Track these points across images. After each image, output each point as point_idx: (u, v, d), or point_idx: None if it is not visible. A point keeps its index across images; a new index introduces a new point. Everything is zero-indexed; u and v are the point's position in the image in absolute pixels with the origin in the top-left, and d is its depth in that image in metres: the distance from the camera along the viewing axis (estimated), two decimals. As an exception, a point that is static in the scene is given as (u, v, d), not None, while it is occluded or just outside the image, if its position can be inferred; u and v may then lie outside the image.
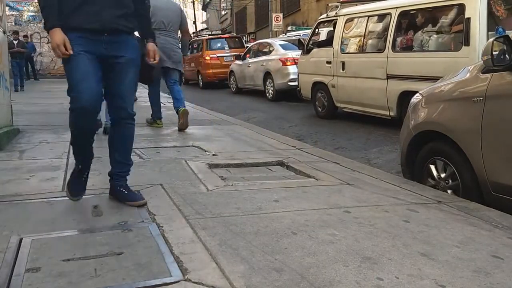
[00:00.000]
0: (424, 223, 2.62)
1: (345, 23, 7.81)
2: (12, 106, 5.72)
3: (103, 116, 5.33)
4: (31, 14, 18.59)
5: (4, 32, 5.71)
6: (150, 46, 2.92)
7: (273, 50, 12.20)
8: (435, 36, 6.16)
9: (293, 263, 2.07)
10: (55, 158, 4.24)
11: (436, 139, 3.41)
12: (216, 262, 2.08)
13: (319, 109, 8.44)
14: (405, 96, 6.08)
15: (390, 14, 6.79)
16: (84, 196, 3.06)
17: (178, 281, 1.91)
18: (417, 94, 3.81)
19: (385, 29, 6.88)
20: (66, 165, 3.96)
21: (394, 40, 6.63)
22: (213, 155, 4.49)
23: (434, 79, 4.32)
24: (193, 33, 36.87)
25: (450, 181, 3.33)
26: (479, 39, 5.37)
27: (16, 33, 14.90)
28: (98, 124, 4.32)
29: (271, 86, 11.68)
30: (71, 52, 2.61)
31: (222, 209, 2.80)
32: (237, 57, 14.19)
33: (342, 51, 7.77)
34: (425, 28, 6.32)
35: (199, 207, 2.84)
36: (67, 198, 2.99)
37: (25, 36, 15.79)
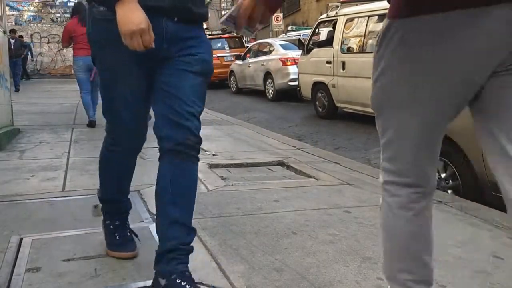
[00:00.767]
0: (424, 223, 2.61)
1: (345, 23, 7.81)
2: (12, 106, 5.72)
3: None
4: (31, 14, 18.60)
5: (5, 32, 5.71)
6: None
7: (273, 50, 12.20)
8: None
9: (293, 263, 2.07)
10: (55, 158, 4.24)
11: (436, 139, 3.40)
12: (216, 262, 2.08)
13: (320, 109, 8.44)
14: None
15: (390, 14, 6.77)
16: (84, 196, 3.07)
17: (178, 281, 1.90)
18: (418, 94, 3.80)
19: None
20: (66, 165, 3.96)
21: (394, 40, 6.60)
22: (213, 155, 4.49)
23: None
24: (193, 33, 36.76)
25: (450, 181, 3.33)
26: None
27: (13, 31, 14.87)
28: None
29: (271, 86, 11.69)
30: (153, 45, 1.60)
31: (222, 209, 2.80)
32: (237, 57, 14.20)
33: (342, 51, 7.77)
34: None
35: (199, 207, 2.83)
36: (67, 197, 2.99)
37: (20, 37, 15.77)
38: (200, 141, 1.79)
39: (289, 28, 21.93)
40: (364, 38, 7.38)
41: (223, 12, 41.63)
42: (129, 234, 2.18)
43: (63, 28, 6.29)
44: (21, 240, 2.30)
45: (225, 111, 8.81)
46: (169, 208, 1.73)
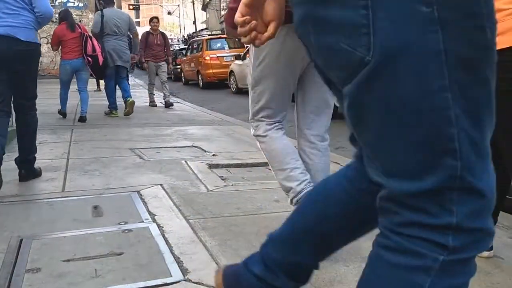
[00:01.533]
0: (424, 223, 2.61)
1: (345, 23, 7.81)
2: (12, 106, 5.71)
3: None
4: (31, 14, 18.61)
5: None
6: None
7: (273, 50, 12.18)
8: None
9: (294, 263, 2.06)
10: (55, 159, 4.24)
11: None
12: (216, 262, 2.08)
13: (319, 109, 8.43)
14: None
15: (390, 14, 6.78)
16: (84, 197, 3.07)
17: (179, 281, 1.91)
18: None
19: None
20: (66, 165, 3.96)
21: (394, 40, 6.62)
22: (213, 155, 4.50)
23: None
24: (193, 33, 36.91)
25: (450, 180, 3.33)
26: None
27: None
28: None
29: (271, 86, 11.66)
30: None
31: (222, 209, 2.80)
32: (237, 57, 14.18)
33: (342, 51, 7.76)
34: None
35: (199, 207, 2.84)
36: (67, 198, 2.99)
37: None
38: None
39: (289, 28, 21.89)
40: (363, 38, 7.38)
41: (222, 13, 41.62)
42: None
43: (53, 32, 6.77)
44: (21, 240, 2.30)
45: (225, 111, 8.81)
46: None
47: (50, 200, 3.01)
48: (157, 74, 9.25)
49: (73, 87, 6.77)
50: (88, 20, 15.64)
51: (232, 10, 1.71)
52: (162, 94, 9.35)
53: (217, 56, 15.64)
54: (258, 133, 2.18)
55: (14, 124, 5.60)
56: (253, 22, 1.07)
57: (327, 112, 2.40)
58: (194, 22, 42.48)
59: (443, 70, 0.82)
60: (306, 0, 0.92)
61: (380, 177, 0.93)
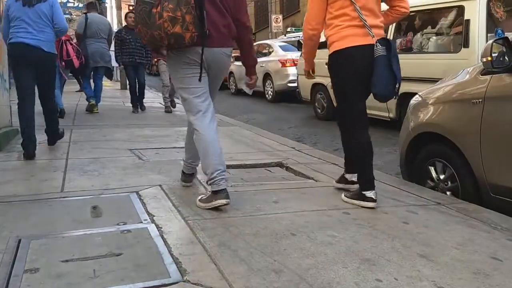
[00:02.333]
0: (423, 225, 2.62)
1: (345, 24, 7.83)
2: (11, 107, 5.71)
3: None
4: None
5: (4, 33, 5.70)
6: None
7: (272, 51, 12.21)
8: (434, 38, 6.17)
9: (292, 265, 2.07)
10: (54, 159, 4.24)
11: (435, 141, 3.41)
12: (215, 263, 2.08)
13: (319, 110, 8.44)
14: (405, 97, 6.07)
15: (389, 15, 6.80)
16: (83, 197, 3.07)
17: (177, 282, 1.90)
18: (417, 96, 3.82)
19: (385, 30, 6.86)
20: (65, 165, 3.96)
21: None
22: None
23: (434, 81, 4.32)
24: (193, 34, 36.64)
25: (449, 182, 3.33)
26: (479, 41, 5.37)
27: None
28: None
29: (271, 88, 11.69)
30: None
31: (221, 210, 2.80)
32: (237, 58, 14.17)
33: (342, 52, 7.78)
34: (425, 30, 6.32)
35: (198, 208, 2.83)
36: (66, 198, 2.99)
37: None
38: None
39: (289, 29, 21.94)
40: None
41: (222, 13, 41.60)
42: None
43: None
44: (19, 241, 2.30)
45: (224, 112, 8.80)
46: None
47: (49, 200, 3.01)
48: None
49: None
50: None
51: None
52: (162, 96, 8.77)
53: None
54: (195, 125, 2.86)
55: (14, 124, 5.61)
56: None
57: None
58: (194, 23, 42.36)
59: None
60: None
61: None
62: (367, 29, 2.71)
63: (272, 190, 3.29)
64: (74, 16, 19.58)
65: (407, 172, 3.76)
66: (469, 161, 3.08)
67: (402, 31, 6.69)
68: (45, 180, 3.50)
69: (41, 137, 5.37)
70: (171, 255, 2.16)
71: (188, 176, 3.27)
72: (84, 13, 8.34)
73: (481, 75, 3.06)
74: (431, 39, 6.19)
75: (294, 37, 14.90)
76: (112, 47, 8.11)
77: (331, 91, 7.95)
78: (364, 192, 2.88)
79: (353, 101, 2.88)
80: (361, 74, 2.77)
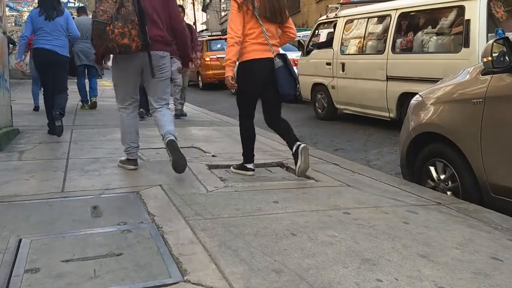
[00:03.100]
0: (423, 225, 2.62)
1: (345, 24, 7.82)
2: (12, 107, 5.72)
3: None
4: (31, 14, 18.61)
5: (4, 33, 5.71)
6: None
7: (273, 51, 12.18)
8: (435, 37, 6.17)
9: (293, 264, 2.07)
10: (55, 159, 4.24)
11: (435, 141, 3.41)
12: (215, 263, 2.08)
13: (319, 110, 8.44)
14: (405, 97, 6.09)
15: (390, 15, 6.80)
16: (83, 197, 3.07)
17: (178, 282, 1.91)
18: (417, 96, 3.82)
19: (385, 31, 6.89)
20: (65, 165, 3.96)
21: (394, 42, 6.63)
22: (213, 156, 4.49)
23: (434, 80, 4.32)
24: (193, 34, 36.62)
25: (449, 182, 3.33)
26: (479, 41, 5.37)
27: None
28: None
29: (271, 87, 11.66)
30: None
31: (221, 210, 2.80)
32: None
33: (342, 52, 7.77)
34: (425, 30, 6.33)
35: (198, 208, 2.84)
36: (66, 198, 2.99)
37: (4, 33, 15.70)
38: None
39: (289, 29, 21.88)
40: (363, 40, 7.39)
41: (222, 14, 41.65)
42: None
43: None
44: (20, 240, 2.30)
45: (225, 112, 8.81)
46: None
47: (50, 200, 3.01)
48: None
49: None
50: (88, 21, 15.66)
51: None
52: (173, 99, 7.61)
53: (217, 57, 15.61)
54: (121, 113, 3.85)
55: (15, 124, 5.61)
56: None
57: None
58: (194, 23, 42.45)
59: None
60: None
61: None
62: (269, 46, 3.55)
63: (273, 190, 3.29)
64: (75, 16, 19.59)
65: (407, 172, 3.76)
66: (469, 161, 3.08)
67: (403, 31, 6.69)
68: (45, 180, 3.50)
69: (41, 137, 5.38)
70: (172, 255, 2.16)
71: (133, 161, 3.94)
72: (73, 17, 8.70)
73: (482, 75, 3.06)
74: (431, 39, 6.19)
75: (294, 37, 14.85)
76: None
77: (331, 91, 7.99)
78: (245, 164, 3.80)
79: (251, 97, 3.76)
80: (263, 79, 3.61)
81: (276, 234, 2.43)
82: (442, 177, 3.39)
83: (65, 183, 3.43)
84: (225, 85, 3.73)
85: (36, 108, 7.96)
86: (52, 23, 5.40)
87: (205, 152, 4.66)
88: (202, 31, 41.03)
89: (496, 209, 2.93)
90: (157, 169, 3.86)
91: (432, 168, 3.46)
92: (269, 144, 5.22)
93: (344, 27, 7.82)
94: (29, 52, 7.63)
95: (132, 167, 3.85)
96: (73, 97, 7.18)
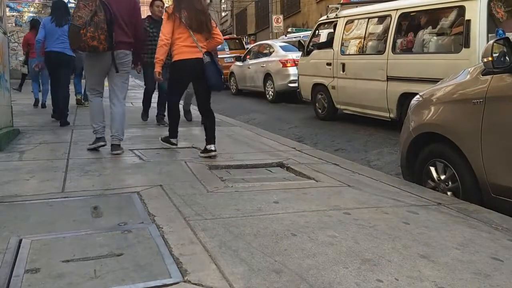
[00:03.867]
0: (424, 225, 2.62)
1: (345, 24, 7.82)
2: (12, 107, 5.72)
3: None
4: (32, 15, 18.58)
5: (5, 33, 5.71)
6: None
7: (273, 51, 12.20)
8: (435, 38, 6.16)
9: (293, 265, 2.07)
10: (55, 159, 4.24)
11: (436, 141, 3.41)
12: (215, 263, 2.08)
13: (319, 110, 8.44)
14: (405, 97, 6.09)
15: (390, 16, 6.80)
16: (83, 197, 3.07)
17: (178, 283, 1.91)
18: (417, 96, 3.82)
19: (385, 31, 6.89)
20: (66, 166, 3.96)
21: (394, 42, 6.63)
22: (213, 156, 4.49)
23: (434, 81, 4.32)
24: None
25: (450, 183, 3.33)
26: (479, 41, 5.37)
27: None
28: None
29: (271, 88, 11.69)
30: None
31: (221, 210, 2.80)
32: (237, 59, 14.19)
33: (342, 52, 7.77)
34: (425, 30, 6.32)
35: (198, 208, 2.84)
36: (66, 198, 2.99)
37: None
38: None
39: (289, 29, 21.91)
40: (364, 40, 7.39)
41: (223, 14, 41.65)
42: None
43: (23, 37, 9.43)
44: (20, 241, 2.30)
45: (225, 113, 8.81)
46: None
47: (50, 200, 3.01)
48: None
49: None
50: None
51: None
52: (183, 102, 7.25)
53: (218, 57, 15.60)
54: (90, 98, 4.65)
55: (15, 125, 5.61)
56: None
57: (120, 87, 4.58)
58: (195, 23, 42.33)
59: None
60: None
61: None
62: (198, 48, 4.30)
63: (273, 190, 3.29)
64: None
65: (407, 172, 3.76)
66: (469, 161, 3.08)
67: (403, 31, 6.69)
68: (46, 180, 3.51)
69: (41, 137, 5.38)
70: (172, 255, 2.16)
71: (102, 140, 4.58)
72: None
73: (482, 75, 3.06)
74: (432, 39, 6.19)
75: (294, 37, 14.87)
76: None
77: (331, 91, 7.99)
78: (171, 139, 4.75)
79: (178, 89, 4.61)
80: (193, 75, 4.40)
81: (276, 235, 2.43)
82: (443, 177, 3.39)
83: (65, 183, 3.43)
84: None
85: (36, 102, 8.66)
86: (61, 29, 6.37)
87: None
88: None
89: (497, 210, 2.93)
90: (157, 169, 3.86)
91: (432, 168, 3.46)
92: (269, 145, 5.22)
93: (345, 27, 7.82)
94: (28, 53, 8.93)
95: (102, 143, 4.53)
96: (73, 98, 7.19)
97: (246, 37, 30.71)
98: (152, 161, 4.18)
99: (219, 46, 17.54)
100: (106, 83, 4.58)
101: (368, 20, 7.39)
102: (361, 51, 7.45)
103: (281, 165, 4.21)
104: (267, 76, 11.86)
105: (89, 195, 3.12)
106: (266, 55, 12.53)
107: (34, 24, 8.92)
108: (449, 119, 3.28)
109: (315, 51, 8.58)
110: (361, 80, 7.21)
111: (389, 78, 6.62)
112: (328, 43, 8.33)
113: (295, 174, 3.91)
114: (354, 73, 7.36)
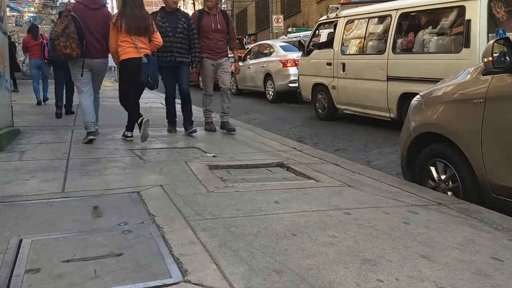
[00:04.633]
0: (424, 225, 2.62)
1: (346, 24, 7.82)
2: (12, 107, 5.72)
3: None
4: (32, 15, 18.57)
5: (5, 33, 5.71)
6: None
7: (273, 51, 12.20)
8: (435, 38, 6.16)
9: (293, 265, 2.07)
10: (55, 159, 4.24)
11: (436, 141, 3.41)
12: (216, 263, 2.08)
13: (320, 110, 8.44)
14: (406, 97, 6.09)
15: (390, 15, 6.79)
16: (84, 197, 3.07)
17: (178, 283, 1.91)
18: (418, 96, 3.81)
19: (386, 31, 6.89)
20: (66, 166, 3.96)
21: (395, 42, 6.63)
22: (213, 156, 4.49)
23: (435, 81, 4.32)
24: (194, 34, 36.68)
25: (450, 183, 3.33)
26: (480, 41, 5.37)
27: None
28: None
29: (272, 88, 11.69)
30: None
31: (222, 211, 2.80)
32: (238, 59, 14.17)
33: (343, 52, 7.77)
34: (426, 30, 6.32)
35: (199, 208, 2.84)
36: (67, 199, 2.99)
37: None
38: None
39: (289, 29, 21.93)
40: (364, 40, 7.39)
41: (223, 14, 41.64)
42: None
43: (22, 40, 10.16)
44: (20, 241, 2.30)
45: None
46: None
47: (50, 200, 3.01)
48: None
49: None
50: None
51: None
52: (204, 108, 6.40)
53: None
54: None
55: (16, 124, 5.62)
56: None
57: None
58: (195, 23, 42.33)
59: None
60: None
61: None
62: (137, 49, 5.00)
63: (273, 190, 3.29)
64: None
65: (408, 172, 3.76)
66: (470, 161, 3.08)
67: (403, 31, 6.69)
68: (46, 180, 3.51)
69: (42, 137, 5.38)
70: (172, 255, 2.16)
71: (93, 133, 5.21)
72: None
73: (482, 75, 3.06)
74: (432, 39, 6.19)
75: (295, 37, 14.88)
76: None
77: (332, 91, 7.99)
78: (126, 132, 5.44)
79: (126, 83, 5.25)
80: (133, 72, 5.01)
81: (276, 235, 2.43)
82: (443, 177, 3.39)
83: (65, 183, 3.43)
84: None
85: (39, 103, 9.17)
86: None
87: (205, 153, 4.66)
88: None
89: (497, 209, 2.93)
90: (157, 169, 3.86)
91: (432, 168, 3.46)
92: (269, 145, 5.22)
93: (345, 27, 7.81)
94: (28, 55, 9.66)
95: (92, 137, 5.08)
96: (73, 97, 7.20)
97: (246, 37, 30.72)
98: (152, 161, 4.18)
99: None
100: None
101: (369, 20, 7.39)
102: (362, 51, 7.45)
103: (281, 165, 4.21)
104: (268, 76, 11.87)
105: (89, 195, 3.12)
106: (266, 55, 12.53)
107: (31, 28, 9.66)
108: (449, 119, 3.28)
109: (315, 51, 8.57)
110: (361, 80, 7.21)
111: (390, 78, 6.62)
112: (329, 43, 8.33)
113: (296, 174, 3.91)
114: (355, 73, 7.36)
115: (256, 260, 2.10)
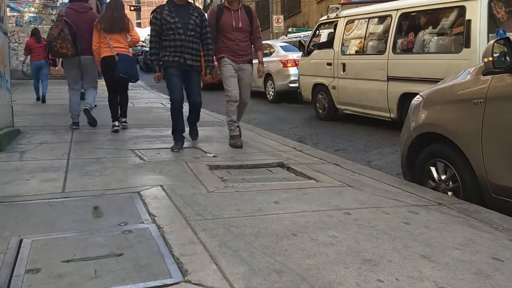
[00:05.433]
0: (424, 225, 2.62)
1: (346, 24, 7.82)
2: (13, 107, 5.72)
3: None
4: (32, 15, 18.56)
5: (5, 33, 5.72)
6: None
7: (273, 51, 12.20)
8: (435, 38, 6.16)
9: (293, 265, 2.07)
10: (56, 159, 4.24)
11: (436, 141, 3.41)
12: (216, 263, 2.08)
13: (320, 110, 8.44)
14: (406, 98, 6.09)
15: (390, 16, 6.79)
16: (84, 197, 3.07)
17: (178, 283, 1.91)
18: (418, 96, 3.81)
19: (386, 31, 6.89)
20: (66, 166, 3.96)
21: (395, 42, 6.63)
22: (214, 156, 4.49)
23: (435, 81, 4.32)
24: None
25: (450, 183, 3.33)
26: (480, 41, 5.37)
27: None
28: None
29: (272, 88, 11.69)
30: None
31: (222, 211, 2.80)
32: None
33: (343, 52, 7.77)
34: (426, 30, 6.32)
35: (199, 209, 2.84)
36: (67, 199, 2.99)
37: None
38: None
39: (290, 29, 21.93)
40: (364, 40, 7.39)
41: (223, 14, 41.58)
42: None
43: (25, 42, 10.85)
44: (21, 241, 2.30)
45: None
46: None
47: (51, 200, 3.01)
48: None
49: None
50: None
51: None
52: (228, 119, 5.27)
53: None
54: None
55: (16, 125, 5.62)
56: None
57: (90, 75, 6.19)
58: (195, 24, 42.35)
59: None
60: None
61: None
62: (111, 49, 5.68)
63: (273, 190, 3.29)
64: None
65: (408, 172, 3.76)
66: (470, 161, 3.08)
67: (404, 31, 6.69)
68: (46, 180, 3.51)
69: (42, 137, 5.38)
70: (172, 255, 2.16)
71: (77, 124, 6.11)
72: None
73: (482, 75, 3.06)
74: (432, 39, 6.19)
75: (295, 37, 14.87)
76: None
77: (332, 92, 7.99)
78: (113, 123, 5.93)
79: (107, 78, 5.93)
80: (108, 68, 5.72)
81: (276, 235, 2.43)
82: (443, 177, 3.38)
83: (66, 183, 3.43)
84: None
85: (38, 99, 9.85)
86: None
87: (206, 153, 4.66)
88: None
89: (497, 210, 2.92)
90: (157, 169, 3.86)
91: (433, 169, 3.46)
92: (269, 145, 5.22)
93: (345, 27, 7.81)
94: (29, 56, 10.42)
95: (75, 127, 5.99)
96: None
97: (247, 37, 30.64)
98: (152, 161, 4.18)
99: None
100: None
101: (369, 20, 7.39)
102: (362, 51, 7.45)
103: (281, 165, 4.21)
104: (268, 76, 11.86)
105: (89, 195, 3.12)
106: (266, 55, 12.51)
107: (34, 32, 10.54)
108: (449, 119, 3.28)
109: (315, 51, 8.57)
110: (361, 80, 7.21)
111: (390, 78, 6.62)
112: (329, 43, 8.33)
113: (296, 174, 3.91)
114: (355, 73, 7.36)
115: (256, 260, 2.11)
